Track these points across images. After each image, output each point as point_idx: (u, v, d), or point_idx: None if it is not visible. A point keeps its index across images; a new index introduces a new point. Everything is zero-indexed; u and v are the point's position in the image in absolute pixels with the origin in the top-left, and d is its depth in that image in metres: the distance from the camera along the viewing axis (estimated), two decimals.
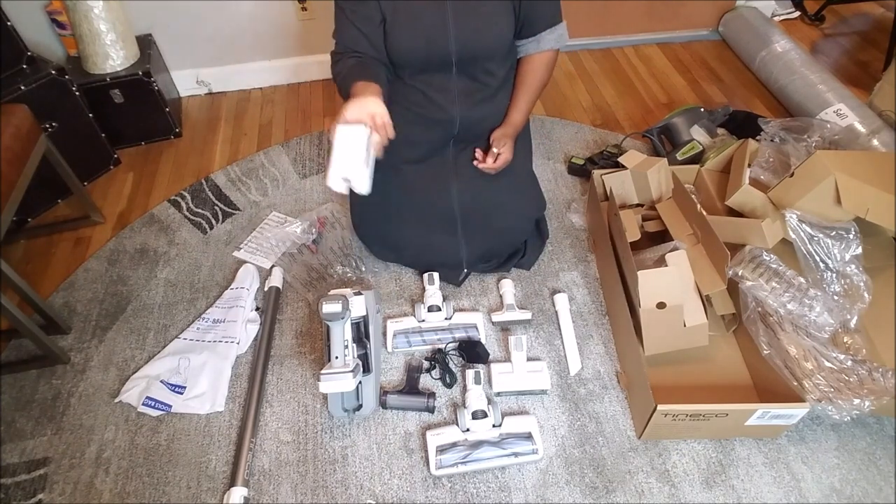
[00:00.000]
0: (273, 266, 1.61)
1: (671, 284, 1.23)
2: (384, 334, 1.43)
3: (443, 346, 1.41)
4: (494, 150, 1.39)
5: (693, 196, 1.45)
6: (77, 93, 1.77)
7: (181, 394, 1.34)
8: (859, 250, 1.26)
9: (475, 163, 1.41)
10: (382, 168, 1.30)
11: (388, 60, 1.31)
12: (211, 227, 1.75)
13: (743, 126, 1.80)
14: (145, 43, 2.02)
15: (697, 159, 1.71)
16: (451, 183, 1.44)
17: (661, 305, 1.23)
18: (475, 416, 1.24)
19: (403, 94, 1.37)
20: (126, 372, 1.41)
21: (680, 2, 2.39)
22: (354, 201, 1.61)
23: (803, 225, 1.27)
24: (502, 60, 1.38)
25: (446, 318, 1.44)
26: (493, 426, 1.24)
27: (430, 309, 1.44)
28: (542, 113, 2.13)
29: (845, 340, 1.23)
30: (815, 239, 1.27)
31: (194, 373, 1.37)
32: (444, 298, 1.49)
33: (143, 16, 2.03)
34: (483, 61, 1.34)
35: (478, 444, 1.21)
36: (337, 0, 1.28)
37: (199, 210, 1.81)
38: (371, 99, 1.12)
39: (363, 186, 1.09)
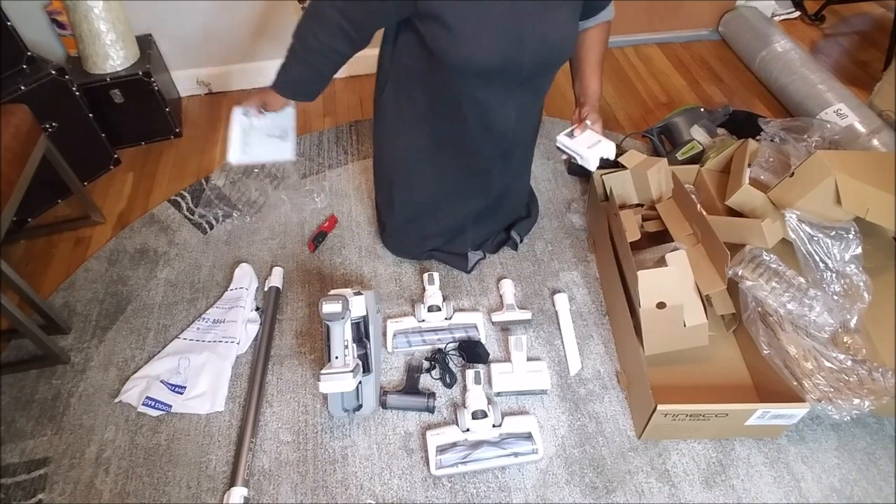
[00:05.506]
0: (273, 266, 1.61)
1: (671, 284, 1.24)
2: (384, 334, 1.43)
3: (443, 346, 1.41)
4: (588, 123, 1.28)
5: (693, 196, 1.45)
6: (77, 93, 1.77)
7: (181, 394, 1.34)
8: (859, 250, 1.26)
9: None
10: (425, 150, 1.37)
11: (438, 66, 1.16)
12: (211, 227, 1.75)
13: (743, 126, 1.80)
14: (145, 43, 2.02)
15: (697, 159, 1.70)
16: (492, 181, 1.44)
17: (661, 305, 1.23)
18: (475, 416, 1.24)
19: (456, 105, 1.24)
20: (126, 372, 1.41)
21: (680, 2, 2.39)
22: (382, 183, 1.52)
23: (803, 225, 1.27)
24: (557, 68, 1.28)
25: (446, 318, 1.44)
26: (493, 426, 1.24)
27: (430, 309, 1.44)
28: None
29: (845, 340, 1.23)
30: (815, 239, 1.27)
31: (194, 373, 1.37)
32: (444, 298, 1.49)
33: (143, 16, 2.02)
34: (548, 72, 1.26)
35: (478, 444, 1.21)
36: None
37: (200, 210, 1.80)
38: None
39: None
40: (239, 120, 1.33)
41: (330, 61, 1.21)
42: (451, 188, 1.44)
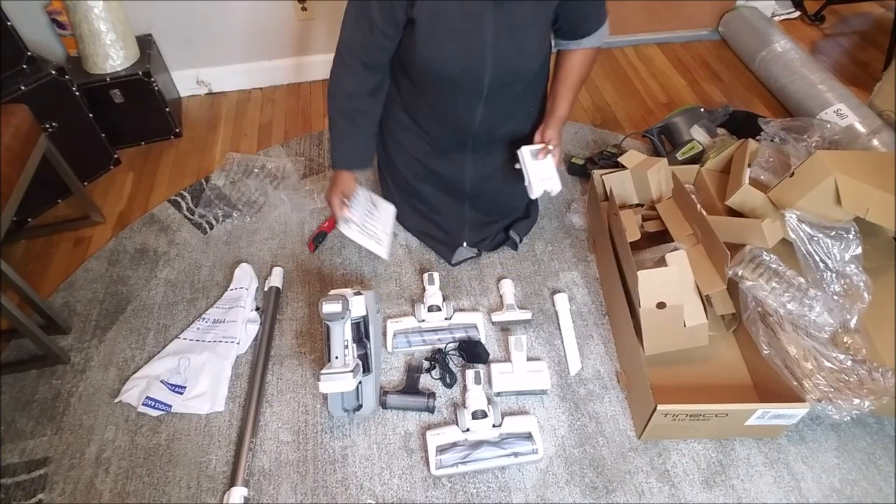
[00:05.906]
0: (273, 266, 1.61)
1: (671, 284, 1.24)
2: (384, 334, 1.43)
3: (443, 346, 1.41)
4: (550, 147, 1.36)
5: (693, 196, 1.45)
6: (77, 93, 1.77)
7: (181, 394, 1.34)
8: (859, 250, 1.26)
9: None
10: (408, 137, 1.49)
11: (408, 66, 1.30)
12: (211, 227, 1.75)
13: (743, 126, 1.80)
14: (145, 43, 2.02)
15: (697, 159, 1.70)
16: (466, 168, 1.49)
17: (661, 305, 1.23)
18: (475, 416, 1.24)
19: (423, 94, 1.36)
20: (126, 372, 1.41)
21: (680, 2, 2.39)
22: (381, 157, 1.64)
23: (803, 225, 1.27)
24: (528, 82, 1.35)
25: (446, 318, 1.44)
26: (493, 426, 1.24)
27: (430, 309, 1.44)
28: None
29: (845, 340, 1.23)
30: (815, 239, 1.27)
31: (194, 373, 1.37)
32: (444, 298, 1.49)
33: (143, 16, 2.02)
34: (512, 87, 1.31)
35: (478, 444, 1.21)
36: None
37: (200, 210, 1.80)
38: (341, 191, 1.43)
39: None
40: (351, 231, 1.44)
41: (364, 114, 1.36)
42: (426, 162, 1.51)
